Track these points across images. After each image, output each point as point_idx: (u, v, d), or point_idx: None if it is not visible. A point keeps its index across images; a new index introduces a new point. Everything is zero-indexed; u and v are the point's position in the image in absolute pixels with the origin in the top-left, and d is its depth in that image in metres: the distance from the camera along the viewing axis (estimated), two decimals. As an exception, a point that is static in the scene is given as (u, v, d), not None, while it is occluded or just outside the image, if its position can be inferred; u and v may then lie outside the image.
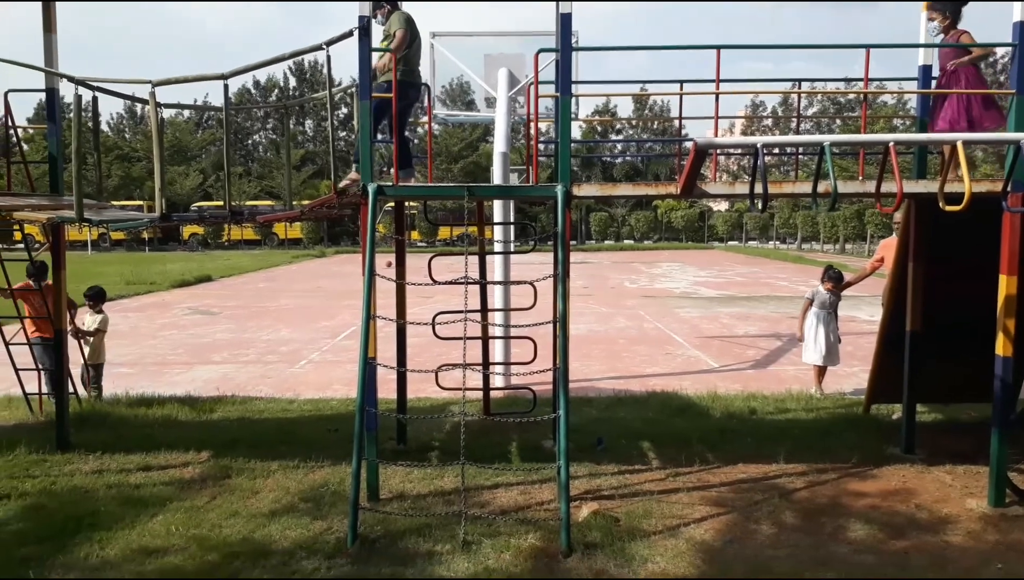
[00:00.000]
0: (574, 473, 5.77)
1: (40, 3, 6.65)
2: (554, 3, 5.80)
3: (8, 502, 5.48)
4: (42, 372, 7.86)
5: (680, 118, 7.35)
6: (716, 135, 6.51)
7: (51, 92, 6.86)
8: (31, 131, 41.56)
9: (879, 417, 7.71)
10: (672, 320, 15.18)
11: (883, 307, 7.65)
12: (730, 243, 49.77)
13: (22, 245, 9.53)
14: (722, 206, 53.51)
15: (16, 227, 8.31)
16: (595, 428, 7.22)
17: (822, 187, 5.14)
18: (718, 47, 5.98)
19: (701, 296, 19.69)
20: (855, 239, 40.17)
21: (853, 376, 9.67)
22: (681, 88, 6.80)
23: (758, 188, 4.81)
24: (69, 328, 7.68)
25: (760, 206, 4.90)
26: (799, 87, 8.57)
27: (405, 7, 6.75)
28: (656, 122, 55.25)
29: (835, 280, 8.75)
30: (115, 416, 7.80)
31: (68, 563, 4.50)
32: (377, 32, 5.88)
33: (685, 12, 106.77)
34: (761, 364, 10.84)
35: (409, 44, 6.53)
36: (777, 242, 48.16)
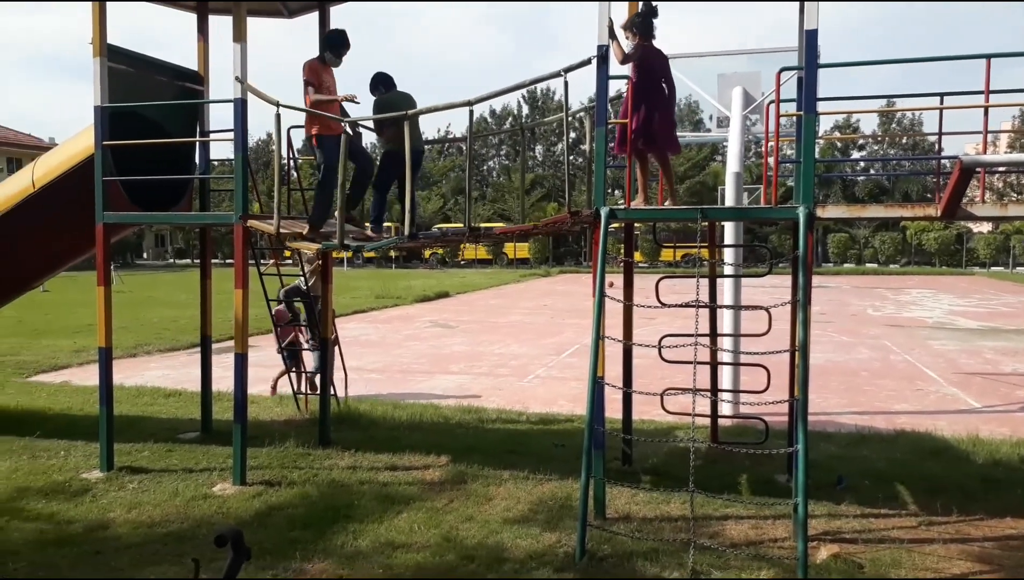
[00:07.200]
0: (812, 512, 5.45)
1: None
2: (797, 20, 5.60)
3: (280, 489, 6.22)
4: (307, 374, 8.92)
5: (940, 134, 6.73)
6: (984, 152, 5.92)
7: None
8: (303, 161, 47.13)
9: None
10: (923, 353, 13.83)
11: None
12: (993, 269, 44.36)
13: (290, 261, 10.88)
14: (985, 227, 47.88)
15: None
16: (834, 466, 6.78)
17: (1121, 208, 4.49)
18: (988, 56, 5.47)
19: (958, 327, 17.73)
20: None
21: None
22: (941, 101, 6.24)
23: (1038, 210, 4.31)
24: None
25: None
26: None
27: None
28: (904, 137, 50.80)
29: None
30: (367, 418, 8.59)
31: (327, 549, 5.02)
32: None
33: (930, 18, 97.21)
34: (1035, 407, 9.57)
35: (390, 125, 6.77)
36: (1054, 268, 42.19)
